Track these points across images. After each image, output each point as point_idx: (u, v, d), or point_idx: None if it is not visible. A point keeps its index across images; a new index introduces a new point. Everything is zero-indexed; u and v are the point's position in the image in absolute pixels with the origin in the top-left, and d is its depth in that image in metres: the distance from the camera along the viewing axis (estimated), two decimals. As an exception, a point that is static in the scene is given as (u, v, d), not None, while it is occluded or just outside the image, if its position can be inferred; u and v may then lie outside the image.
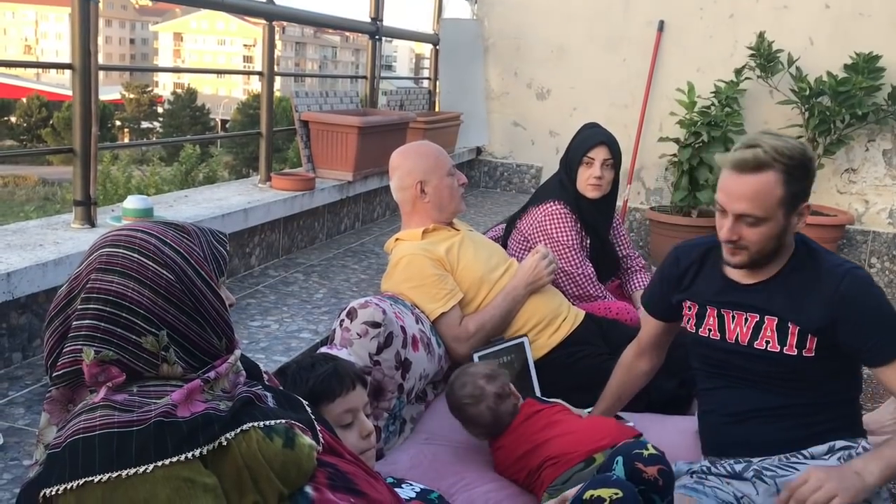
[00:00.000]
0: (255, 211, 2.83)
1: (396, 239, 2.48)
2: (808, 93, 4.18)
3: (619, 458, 1.44)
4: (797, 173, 1.62)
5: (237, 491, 1.01)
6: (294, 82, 41.81)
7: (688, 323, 1.86)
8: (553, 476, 1.75)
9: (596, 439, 1.78)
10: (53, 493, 0.94)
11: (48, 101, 34.25)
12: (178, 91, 41.21)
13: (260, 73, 3.21)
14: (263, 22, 3.14)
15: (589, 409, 2.19)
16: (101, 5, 2.31)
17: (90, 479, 0.93)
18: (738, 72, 4.38)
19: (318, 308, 2.57)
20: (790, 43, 4.33)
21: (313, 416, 1.20)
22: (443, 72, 5.00)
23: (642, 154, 4.79)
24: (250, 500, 1.01)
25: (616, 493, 1.31)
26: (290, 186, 3.15)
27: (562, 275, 2.77)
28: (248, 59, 69.79)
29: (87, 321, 1.05)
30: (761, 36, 4.28)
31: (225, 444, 1.01)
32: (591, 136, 2.90)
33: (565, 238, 2.81)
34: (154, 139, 31.46)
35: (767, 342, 1.72)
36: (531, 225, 2.90)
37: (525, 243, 2.94)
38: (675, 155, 4.53)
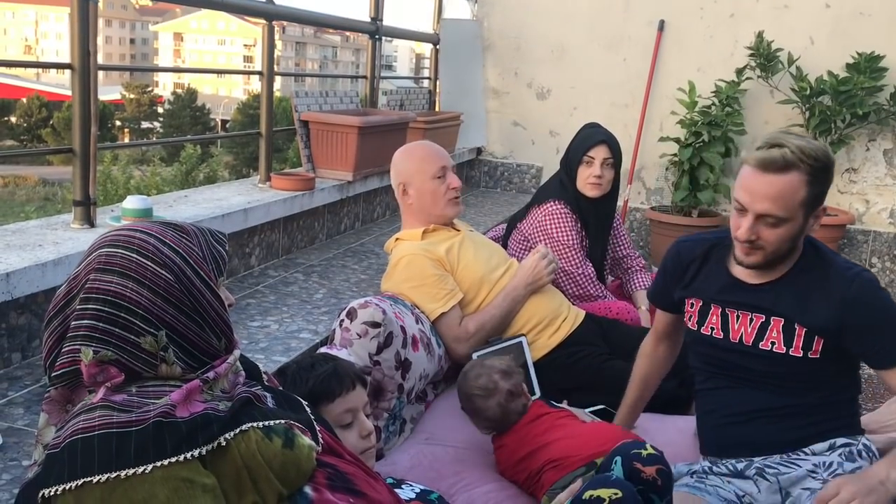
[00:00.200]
0: (254, 211, 2.83)
1: (396, 239, 2.47)
2: (808, 92, 4.18)
3: (618, 458, 1.44)
4: (821, 176, 1.61)
5: (236, 491, 1.00)
6: (294, 82, 41.86)
7: (689, 320, 1.85)
8: (554, 479, 1.75)
9: (599, 444, 1.77)
10: (52, 493, 0.93)
11: (48, 102, 34.27)
12: (179, 91, 41.23)
13: (260, 73, 3.21)
14: (263, 22, 3.14)
15: (590, 409, 2.19)
16: (100, 5, 2.31)
17: (89, 479, 0.93)
18: (740, 72, 4.38)
19: (318, 308, 2.57)
20: (790, 42, 4.33)
21: (313, 417, 1.19)
22: (443, 72, 5.00)
23: (643, 154, 4.78)
24: (249, 500, 1.01)
25: (615, 494, 1.31)
26: (290, 186, 3.15)
27: (562, 274, 2.77)
28: (248, 59, 69.80)
29: (85, 321, 1.04)
30: (761, 36, 4.28)
31: (224, 444, 1.00)
32: (591, 136, 2.89)
33: (565, 238, 2.81)
34: (154, 139, 31.47)
35: (773, 343, 1.71)
36: (532, 225, 2.90)
37: (525, 243, 2.94)
38: (675, 155, 4.53)
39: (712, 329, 1.79)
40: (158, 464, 0.95)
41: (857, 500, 1.45)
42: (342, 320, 1.93)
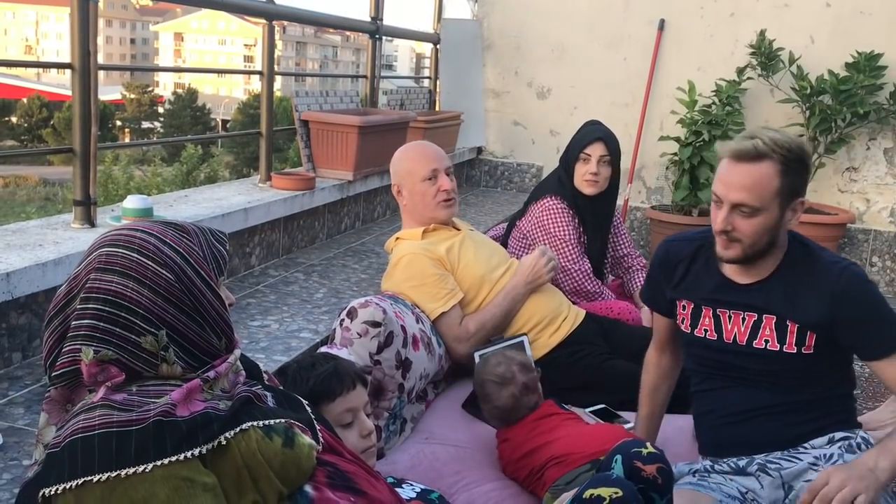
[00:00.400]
0: (255, 210, 2.83)
1: (397, 238, 2.47)
2: (808, 91, 4.18)
3: (618, 457, 1.44)
4: (794, 166, 1.63)
5: (236, 490, 1.01)
6: (294, 82, 41.86)
7: (682, 323, 1.85)
8: (557, 475, 1.74)
9: (602, 442, 1.77)
10: (52, 492, 0.94)
11: (49, 102, 34.27)
12: (179, 91, 41.23)
13: (260, 73, 3.21)
14: (264, 21, 3.14)
15: (590, 409, 2.19)
16: (101, 5, 2.31)
17: (89, 478, 0.93)
18: (740, 71, 4.38)
19: (319, 308, 2.57)
20: (791, 41, 4.33)
21: (313, 416, 1.19)
22: (443, 71, 5.00)
23: (643, 153, 4.78)
24: (250, 499, 1.01)
25: (616, 492, 1.31)
26: (291, 186, 3.15)
27: (558, 270, 2.77)
28: (248, 58, 69.80)
29: (86, 321, 1.04)
30: (762, 34, 4.28)
31: (224, 443, 1.01)
32: (588, 133, 2.90)
33: (562, 233, 2.81)
34: (154, 139, 31.46)
35: (767, 341, 1.72)
36: (529, 221, 2.91)
37: (524, 241, 2.94)
38: (675, 154, 4.53)
39: (706, 331, 1.80)
40: (159, 463, 0.95)
41: (848, 486, 1.46)
42: (342, 320, 1.93)
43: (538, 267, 2.42)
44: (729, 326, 1.76)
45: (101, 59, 2.27)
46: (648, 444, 1.48)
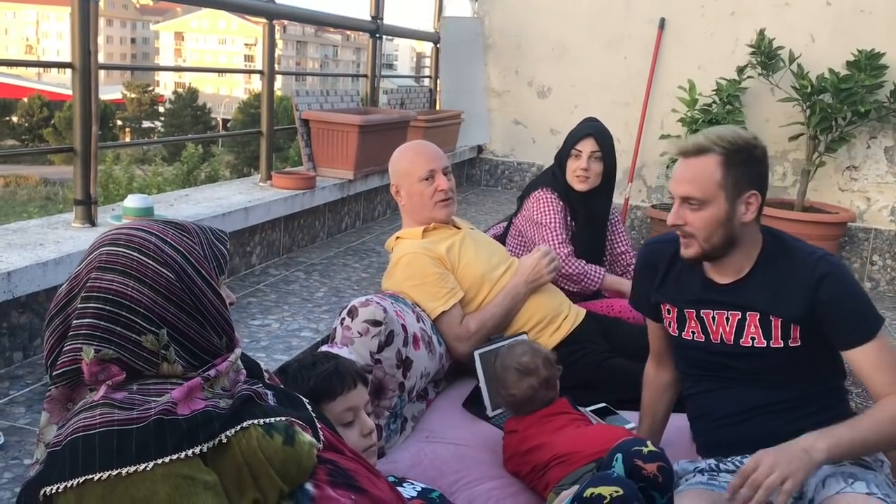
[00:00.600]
0: (255, 210, 2.83)
1: (397, 237, 2.47)
2: (809, 90, 4.17)
3: (619, 456, 1.44)
4: (736, 158, 1.66)
5: (237, 488, 1.01)
6: (295, 81, 41.85)
7: (670, 327, 1.86)
8: (561, 475, 1.74)
9: (606, 441, 1.76)
10: (54, 491, 0.94)
11: (49, 101, 34.28)
12: (180, 90, 41.24)
13: (261, 72, 3.21)
14: (264, 21, 3.14)
15: (591, 408, 2.19)
16: (101, 4, 2.31)
17: (90, 477, 0.93)
18: (740, 70, 4.38)
19: (319, 307, 2.57)
20: (791, 40, 4.32)
21: (314, 414, 1.20)
22: (444, 70, 5.00)
23: (643, 152, 4.78)
24: (250, 497, 1.01)
25: (616, 491, 1.31)
26: (291, 185, 3.16)
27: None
28: (249, 58, 69.81)
29: (86, 320, 1.05)
30: (762, 33, 4.27)
31: (225, 441, 1.01)
32: (579, 129, 2.92)
33: (546, 219, 2.82)
34: (155, 139, 31.47)
35: (753, 338, 1.72)
36: (523, 217, 2.93)
37: (519, 237, 2.95)
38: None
39: (693, 333, 1.80)
40: (160, 461, 0.95)
41: (777, 471, 1.45)
42: (343, 319, 1.93)
43: (539, 267, 2.43)
44: (714, 327, 1.76)
45: (101, 59, 2.27)
46: (649, 442, 1.48)
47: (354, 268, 3.08)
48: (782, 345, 1.70)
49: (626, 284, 2.69)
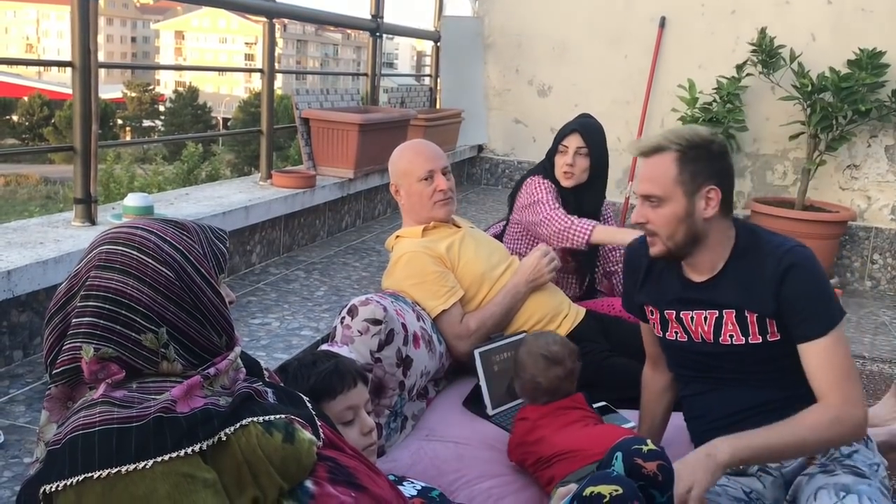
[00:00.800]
0: (255, 208, 2.83)
1: (397, 236, 2.47)
2: (809, 89, 4.17)
3: (619, 454, 1.43)
4: (692, 153, 1.67)
5: (237, 486, 1.01)
6: (295, 80, 41.82)
7: (654, 328, 1.86)
8: (566, 471, 1.73)
9: (611, 441, 1.77)
10: (53, 489, 0.94)
11: (50, 100, 34.29)
12: (180, 89, 41.24)
13: (261, 71, 3.21)
14: (264, 19, 3.14)
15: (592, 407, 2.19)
16: (101, 3, 2.31)
17: (90, 475, 0.93)
18: (740, 68, 4.37)
19: (319, 305, 2.58)
20: (792, 39, 4.32)
21: (314, 412, 1.20)
22: (444, 69, 5.00)
23: (644, 151, 4.77)
24: (250, 494, 1.01)
25: (616, 490, 1.30)
26: (291, 184, 3.16)
27: (535, 228, 2.78)
28: (249, 57, 69.81)
29: (86, 318, 1.04)
30: (762, 32, 4.27)
31: (224, 439, 1.01)
32: (567, 125, 2.91)
33: (537, 197, 2.81)
34: (155, 138, 31.46)
35: (731, 336, 1.71)
36: (517, 207, 2.93)
37: (517, 228, 2.94)
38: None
39: (676, 333, 1.80)
40: (159, 459, 0.95)
41: (682, 482, 1.46)
42: (343, 317, 1.93)
43: (540, 266, 2.43)
44: (694, 327, 1.76)
45: (101, 57, 2.27)
46: (649, 441, 1.48)
47: (354, 267, 3.08)
48: (761, 340, 1.68)
49: (619, 234, 2.67)
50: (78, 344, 1.04)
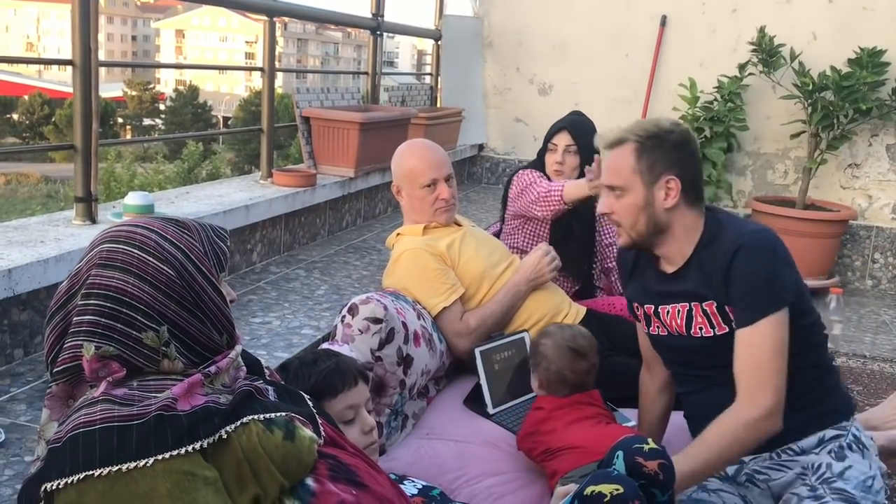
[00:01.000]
0: (256, 207, 2.83)
1: (398, 234, 2.47)
2: (810, 88, 4.17)
3: (620, 453, 1.43)
4: (649, 143, 1.69)
5: (238, 484, 1.01)
6: (296, 79, 41.79)
7: (640, 323, 1.87)
8: (570, 465, 1.73)
9: (616, 440, 1.76)
10: (54, 487, 0.94)
11: (50, 99, 34.28)
12: (181, 88, 41.25)
13: (261, 70, 3.21)
14: (265, 18, 3.14)
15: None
16: (101, 2, 2.31)
17: (90, 473, 0.93)
18: (742, 67, 4.37)
19: (320, 304, 2.58)
20: (793, 38, 4.32)
21: (315, 410, 1.20)
22: (444, 68, 5.00)
23: (644, 150, 4.77)
24: (251, 492, 1.01)
25: (617, 489, 1.30)
26: (292, 183, 3.15)
27: (531, 209, 2.78)
28: (249, 55, 69.79)
29: (87, 317, 1.04)
30: (763, 31, 4.27)
31: (225, 437, 1.01)
32: (557, 123, 2.92)
33: (528, 181, 2.81)
34: (156, 136, 31.48)
35: (701, 328, 1.69)
36: (511, 200, 2.93)
37: (513, 221, 2.94)
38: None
39: (658, 328, 1.80)
40: (160, 457, 0.95)
41: None
42: (344, 316, 1.93)
43: (541, 266, 2.43)
44: (668, 321, 1.76)
45: (102, 56, 2.27)
46: (650, 440, 1.48)
47: (355, 265, 3.08)
48: (728, 330, 1.65)
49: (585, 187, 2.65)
50: (79, 342, 1.04)
